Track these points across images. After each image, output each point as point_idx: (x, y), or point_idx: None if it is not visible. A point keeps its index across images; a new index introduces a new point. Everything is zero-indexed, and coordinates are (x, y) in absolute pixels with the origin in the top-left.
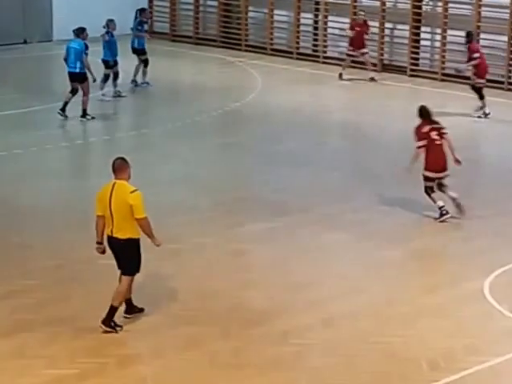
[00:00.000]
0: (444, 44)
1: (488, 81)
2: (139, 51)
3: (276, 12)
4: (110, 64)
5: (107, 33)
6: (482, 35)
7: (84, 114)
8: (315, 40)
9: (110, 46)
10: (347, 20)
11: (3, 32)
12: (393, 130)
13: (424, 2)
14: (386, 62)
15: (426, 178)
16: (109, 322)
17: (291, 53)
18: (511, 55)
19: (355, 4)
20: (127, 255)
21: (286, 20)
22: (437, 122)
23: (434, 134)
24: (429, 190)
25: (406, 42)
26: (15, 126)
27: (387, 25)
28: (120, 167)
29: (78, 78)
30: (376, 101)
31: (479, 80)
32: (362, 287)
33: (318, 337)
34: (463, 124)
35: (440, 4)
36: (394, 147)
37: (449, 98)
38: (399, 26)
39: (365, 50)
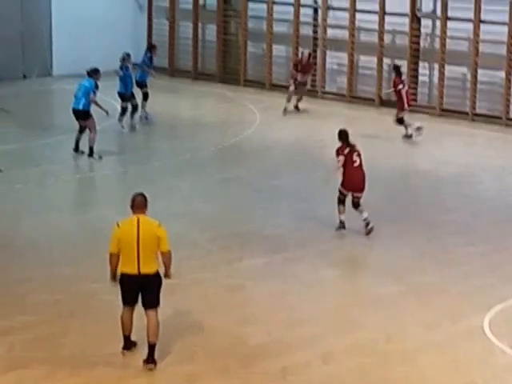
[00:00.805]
0: (442, 79)
1: (486, 116)
2: (141, 84)
3: (275, 47)
4: (126, 97)
5: (122, 67)
6: (480, 71)
7: (91, 153)
8: (313, 75)
9: (125, 79)
10: (345, 55)
11: (3, 67)
12: (391, 165)
13: (422, 38)
14: (384, 97)
15: (341, 192)
16: (153, 358)
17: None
18: (509, 91)
19: (353, 40)
20: (156, 288)
21: (284, 55)
22: (354, 145)
23: (354, 156)
24: (340, 200)
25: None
26: (15, 160)
27: (386, 60)
28: (142, 203)
29: (81, 115)
30: (373, 136)
31: (400, 112)
32: (360, 323)
33: (317, 373)
34: (461, 159)
35: (438, 40)
36: (392, 182)
37: (446, 133)
38: (397, 62)
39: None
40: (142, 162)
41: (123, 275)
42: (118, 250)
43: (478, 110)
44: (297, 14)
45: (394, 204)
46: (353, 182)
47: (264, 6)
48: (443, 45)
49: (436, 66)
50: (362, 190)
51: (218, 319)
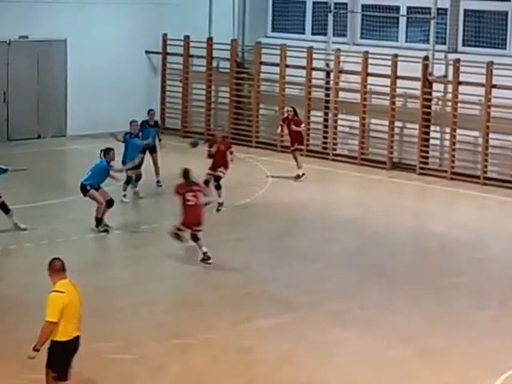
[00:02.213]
0: (453, 143)
1: (497, 180)
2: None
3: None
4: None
5: (126, 134)
6: (492, 135)
7: (97, 224)
8: (325, 138)
9: (127, 147)
10: (357, 118)
11: (19, 127)
12: (402, 228)
13: (433, 102)
14: (395, 160)
15: (179, 229)
16: None
17: (301, 150)
18: None
19: (364, 103)
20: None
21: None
22: (196, 184)
23: (189, 195)
24: (176, 235)
25: (416, 140)
26: (26, 219)
27: (397, 124)
28: (64, 266)
29: (82, 191)
30: (385, 198)
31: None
32: None
33: None
34: (473, 222)
35: (449, 104)
36: (403, 245)
37: (457, 197)
38: (408, 125)
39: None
40: (152, 222)
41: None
42: (58, 319)
43: (489, 174)
44: (309, 77)
45: (405, 266)
46: (190, 219)
47: (277, 69)
48: (455, 109)
49: (447, 130)
50: (199, 225)
51: (226, 381)
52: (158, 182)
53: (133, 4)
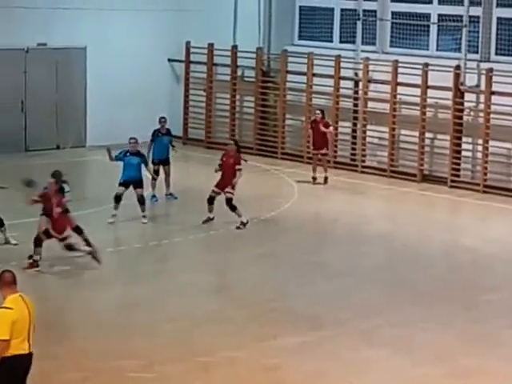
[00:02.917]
0: (486, 155)
1: None
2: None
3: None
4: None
5: (121, 152)
6: None
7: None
8: (353, 149)
9: (124, 166)
10: (386, 129)
11: (36, 137)
12: (433, 243)
13: (465, 113)
14: (425, 172)
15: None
16: None
17: (328, 161)
18: None
19: (394, 113)
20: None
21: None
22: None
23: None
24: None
25: (447, 152)
26: None
27: (428, 135)
28: (15, 278)
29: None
30: (415, 212)
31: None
32: None
33: None
34: (506, 236)
35: (481, 114)
36: (434, 260)
37: (490, 211)
38: (440, 136)
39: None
40: (176, 235)
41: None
42: (9, 336)
43: None
44: (337, 87)
45: (436, 281)
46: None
47: (303, 78)
48: (487, 120)
49: (480, 142)
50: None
51: None
52: (171, 194)
53: (155, 11)
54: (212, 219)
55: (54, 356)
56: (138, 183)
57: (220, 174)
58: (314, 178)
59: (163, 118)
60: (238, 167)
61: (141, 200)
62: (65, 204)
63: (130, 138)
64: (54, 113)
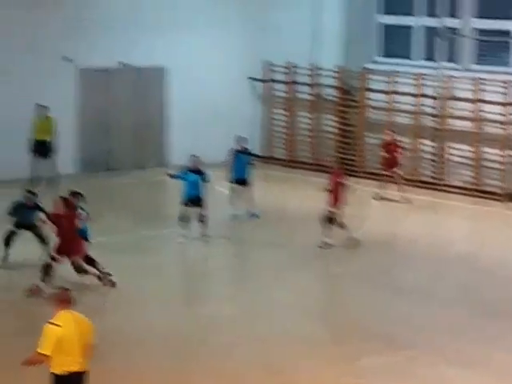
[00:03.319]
0: None
1: None
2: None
3: (397, 140)
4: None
5: (183, 170)
6: None
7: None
8: (435, 167)
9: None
10: (469, 147)
11: (118, 157)
12: None
13: None
14: (510, 191)
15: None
16: None
17: (410, 180)
18: None
19: (477, 131)
20: None
21: (405, 146)
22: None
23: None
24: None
25: None
26: (127, 251)
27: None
28: (70, 298)
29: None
30: (500, 232)
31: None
32: None
33: None
34: None
35: None
36: None
37: None
38: None
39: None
40: (255, 253)
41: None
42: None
43: None
44: (418, 104)
45: None
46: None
47: (384, 96)
48: None
49: None
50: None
51: None
52: (253, 213)
53: (235, 30)
54: (331, 245)
55: (139, 380)
56: (198, 201)
57: (330, 193)
58: (389, 197)
59: (242, 137)
60: (343, 182)
61: (202, 218)
62: (80, 224)
63: (191, 155)
64: (135, 132)
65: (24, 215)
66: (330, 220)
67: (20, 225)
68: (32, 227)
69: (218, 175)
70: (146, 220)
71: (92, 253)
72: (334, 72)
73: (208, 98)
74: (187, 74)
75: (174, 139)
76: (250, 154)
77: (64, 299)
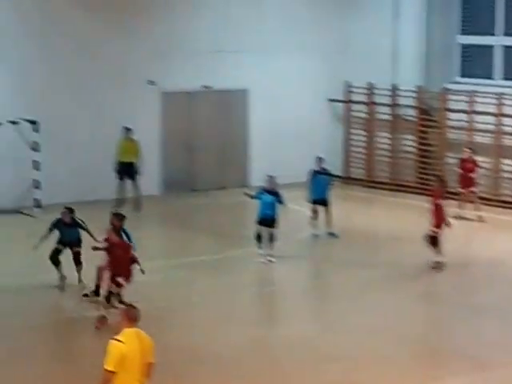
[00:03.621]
0: None
1: None
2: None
3: (475, 158)
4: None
5: (259, 190)
6: None
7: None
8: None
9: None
10: None
11: (202, 178)
12: None
13: None
14: None
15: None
16: None
17: (491, 200)
18: None
19: None
20: None
21: (486, 166)
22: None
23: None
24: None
25: None
26: (210, 271)
27: None
28: (137, 316)
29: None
30: None
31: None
32: None
33: None
34: None
35: None
36: None
37: None
38: None
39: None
40: (337, 274)
41: None
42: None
43: None
44: (499, 124)
45: None
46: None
47: (464, 116)
48: None
49: None
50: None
51: None
52: (332, 233)
53: (315, 52)
54: (442, 263)
55: None
56: (271, 221)
57: (432, 213)
58: (467, 217)
59: (320, 157)
60: (440, 203)
61: (271, 238)
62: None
63: (267, 176)
64: (218, 153)
65: (63, 232)
66: (434, 240)
67: (61, 242)
68: (71, 245)
69: (298, 195)
70: (226, 240)
71: (175, 272)
72: (414, 92)
73: (289, 119)
74: (269, 95)
75: (254, 160)
76: (329, 174)
77: (131, 317)
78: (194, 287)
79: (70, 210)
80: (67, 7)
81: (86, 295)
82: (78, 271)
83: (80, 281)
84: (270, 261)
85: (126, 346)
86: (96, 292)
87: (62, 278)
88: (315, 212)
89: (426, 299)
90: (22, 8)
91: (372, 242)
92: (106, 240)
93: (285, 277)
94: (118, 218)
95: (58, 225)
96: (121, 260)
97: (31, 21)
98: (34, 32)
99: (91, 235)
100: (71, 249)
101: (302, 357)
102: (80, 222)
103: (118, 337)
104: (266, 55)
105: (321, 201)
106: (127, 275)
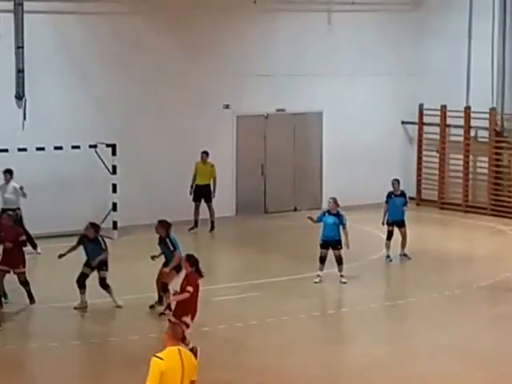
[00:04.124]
0: None
1: None
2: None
3: None
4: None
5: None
6: None
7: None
8: None
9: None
10: None
11: (275, 199)
12: None
13: None
14: None
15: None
16: None
17: None
18: None
19: None
20: None
21: None
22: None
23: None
24: None
25: None
26: (284, 292)
27: None
28: (181, 334)
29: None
30: None
31: None
32: None
33: None
34: None
35: None
36: None
37: None
38: None
39: None
40: (408, 295)
41: None
42: None
43: None
44: None
45: None
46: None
47: None
48: None
49: None
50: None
51: None
52: (405, 255)
53: (388, 75)
54: None
55: None
56: (334, 242)
57: None
58: None
59: (396, 179)
60: None
61: (338, 260)
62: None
63: (330, 198)
64: (291, 175)
65: (86, 248)
66: None
67: (87, 264)
68: (98, 269)
69: (370, 217)
70: (299, 261)
71: (249, 293)
72: (487, 114)
73: (363, 141)
74: (343, 118)
75: (329, 182)
76: (405, 196)
77: (174, 335)
78: (268, 308)
79: (94, 226)
80: (146, 34)
81: (152, 306)
82: (109, 293)
83: (115, 302)
84: (342, 282)
85: (165, 362)
86: (160, 301)
87: (83, 303)
88: (390, 233)
89: (498, 321)
90: (102, 34)
91: (444, 263)
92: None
93: (357, 298)
94: (162, 225)
95: (82, 240)
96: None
97: (111, 47)
98: (114, 58)
99: (105, 252)
100: (98, 273)
101: (375, 378)
102: (101, 240)
103: (159, 354)
104: (340, 77)
105: (396, 222)
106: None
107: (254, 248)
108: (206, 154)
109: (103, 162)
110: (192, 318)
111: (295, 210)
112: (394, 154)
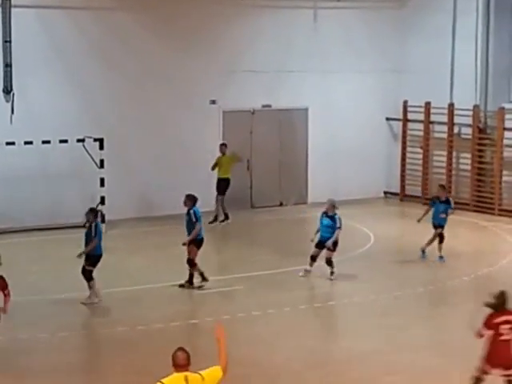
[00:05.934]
0: None
1: None
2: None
3: None
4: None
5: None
6: None
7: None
8: None
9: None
10: None
11: (261, 194)
12: None
13: None
14: None
15: (484, 371)
16: None
17: None
18: None
19: None
20: None
21: None
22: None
23: (503, 328)
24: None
25: None
26: (269, 286)
27: None
28: (188, 358)
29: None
30: None
31: None
32: None
33: None
34: None
35: None
36: None
37: None
38: None
39: None
40: (393, 289)
41: None
42: None
43: None
44: None
45: None
46: (500, 358)
47: None
48: None
49: None
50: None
51: None
52: (441, 257)
53: (373, 72)
54: None
55: None
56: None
57: None
58: None
59: (443, 185)
60: None
61: (328, 262)
62: None
63: (328, 199)
64: (277, 171)
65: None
66: None
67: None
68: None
69: (356, 213)
70: (286, 255)
71: (235, 286)
72: (471, 111)
73: (347, 137)
74: (328, 114)
75: (314, 177)
76: (448, 203)
77: (176, 362)
78: (254, 301)
79: (92, 210)
80: (133, 29)
81: (182, 285)
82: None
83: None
84: (331, 279)
85: None
86: (190, 281)
87: (91, 294)
88: (439, 236)
89: (480, 314)
90: (89, 29)
91: (429, 257)
92: None
93: (343, 292)
94: (189, 198)
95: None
96: None
97: (98, 42)
98: (101, 53)
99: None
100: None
101: (361, 371)
102: (92, 226)
103: (163, 379)
104: (325, 74)
105: (437, 227)
106: None
107: (240, 242)
108: (224, 145)
109: (91, 156)
110: None
111: (281, 204)
112: (379, 149)
